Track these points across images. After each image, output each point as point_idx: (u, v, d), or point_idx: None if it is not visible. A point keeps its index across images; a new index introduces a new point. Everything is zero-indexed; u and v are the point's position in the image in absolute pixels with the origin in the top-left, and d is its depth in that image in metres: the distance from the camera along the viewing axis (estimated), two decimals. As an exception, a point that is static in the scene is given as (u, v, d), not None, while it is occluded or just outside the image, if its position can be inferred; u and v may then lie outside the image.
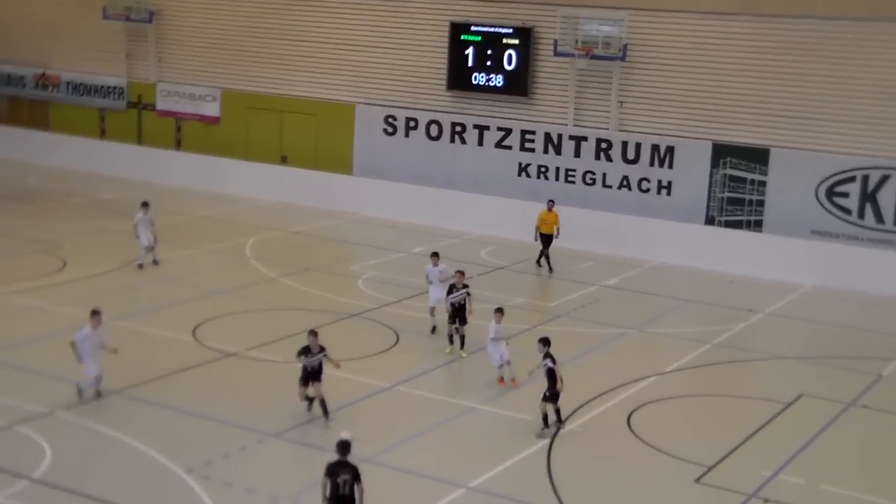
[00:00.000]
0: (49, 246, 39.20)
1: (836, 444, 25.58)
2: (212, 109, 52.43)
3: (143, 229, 35.65)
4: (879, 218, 39.81)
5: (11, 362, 27.63)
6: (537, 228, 38.46)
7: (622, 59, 42.59)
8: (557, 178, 44.65)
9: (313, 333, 24.86)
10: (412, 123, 47.39)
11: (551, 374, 24.30)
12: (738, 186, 41.73)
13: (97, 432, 23.62)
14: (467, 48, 45.69)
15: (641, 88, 43.36)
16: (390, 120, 47.93)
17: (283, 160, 50.38)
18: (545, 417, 24.43)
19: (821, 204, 40.49)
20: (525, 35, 44.67)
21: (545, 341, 24.90)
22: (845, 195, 40.19)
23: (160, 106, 53.91)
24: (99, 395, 24.94)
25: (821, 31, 40.15)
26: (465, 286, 30.15)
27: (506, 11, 45.24)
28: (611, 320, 33.83)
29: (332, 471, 17.93)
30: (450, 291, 29.95)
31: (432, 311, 31.31)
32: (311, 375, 24.40)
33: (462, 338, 30.01)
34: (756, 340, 33.51)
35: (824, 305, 37.11)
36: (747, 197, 41.59)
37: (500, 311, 27.70)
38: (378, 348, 29.63)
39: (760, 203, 41.49)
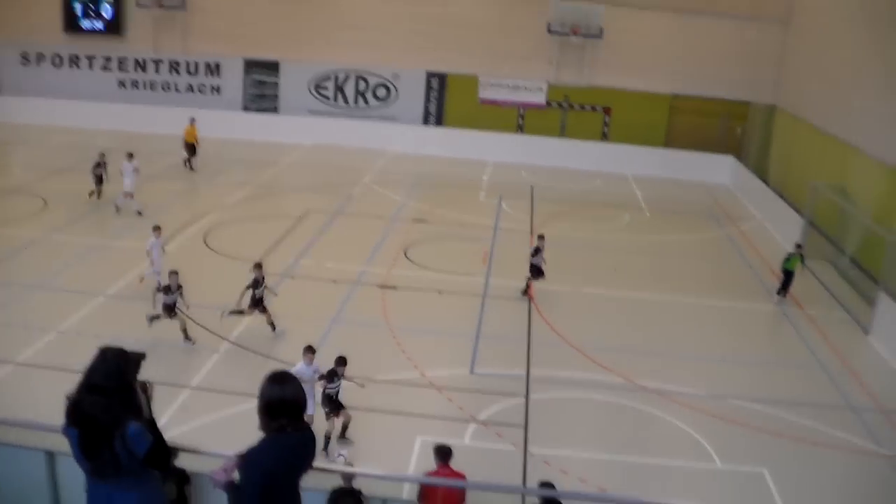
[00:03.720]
0: None
1: (328, 238, 27.00)
2: None
3: (157, 254, 21.70)
4: (346, 101, 41.71)
5: None
6: (184, 140, 34.68)
7: (183, 8, 41.87)
8: (146, 89, 43.17)
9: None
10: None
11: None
12: (262, 86, 42.36)
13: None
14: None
15: (201, 30, 42.30)
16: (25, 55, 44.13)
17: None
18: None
19: (312, 94, 41.93)
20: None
21: (342, 361, 15.43)
22: (326, 88, 41.78)
23: None
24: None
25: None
26: None
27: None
28: (189, 177, 33.54)
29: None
30: None
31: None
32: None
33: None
34: (281, 180, 34.34)
35: (320, 155, 38.45)
36: (268, 93, 42.39)
37: (310, 348, 15.73)
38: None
39: (276, 96, 42.35)
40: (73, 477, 7.02)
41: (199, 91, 42.86)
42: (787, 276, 24.65)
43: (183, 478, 10.24)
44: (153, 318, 18.87)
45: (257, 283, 19.44)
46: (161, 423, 7.09)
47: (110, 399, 6.40)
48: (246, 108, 42.48)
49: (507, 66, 41.10)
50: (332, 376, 15.37)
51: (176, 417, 15.45)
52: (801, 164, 34.18)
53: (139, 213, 27.69)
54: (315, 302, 22.03)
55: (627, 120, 41.56)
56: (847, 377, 20.47)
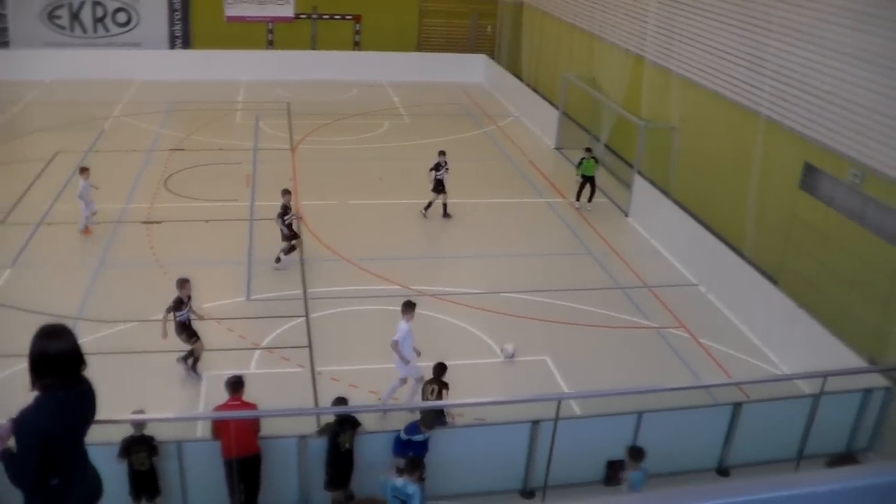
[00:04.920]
0: None
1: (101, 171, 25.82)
2: None
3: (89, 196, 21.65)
4: (84, 29, 39.35)
5: None
6: None
7: None
8: None
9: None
10: None
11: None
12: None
13: None
14: None
15: None
16: None
17: None
18: None
19: (44, 24, 39.16)
20: None
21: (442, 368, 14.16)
22: (60, 17, 39.15)
23: None
24: None
25: None
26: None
27: None
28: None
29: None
30: None
31: None
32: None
33: None
34: (22, 122, 31.31)
35: (62, 91, 35.69)
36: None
37: (410, 304, 14.84)
38: None
39: (4, 29, 39.07)
40: None
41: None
42: (589, 181, 24.71)
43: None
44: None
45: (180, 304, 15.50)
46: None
47: None
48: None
49: (251, -21, 40.09)
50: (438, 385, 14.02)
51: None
52: (552, 58, 35.33)
53: None
54: (77, 247, 21.13)
55: (378, 27, 41.58)
56: (613, 259, 21.70)
